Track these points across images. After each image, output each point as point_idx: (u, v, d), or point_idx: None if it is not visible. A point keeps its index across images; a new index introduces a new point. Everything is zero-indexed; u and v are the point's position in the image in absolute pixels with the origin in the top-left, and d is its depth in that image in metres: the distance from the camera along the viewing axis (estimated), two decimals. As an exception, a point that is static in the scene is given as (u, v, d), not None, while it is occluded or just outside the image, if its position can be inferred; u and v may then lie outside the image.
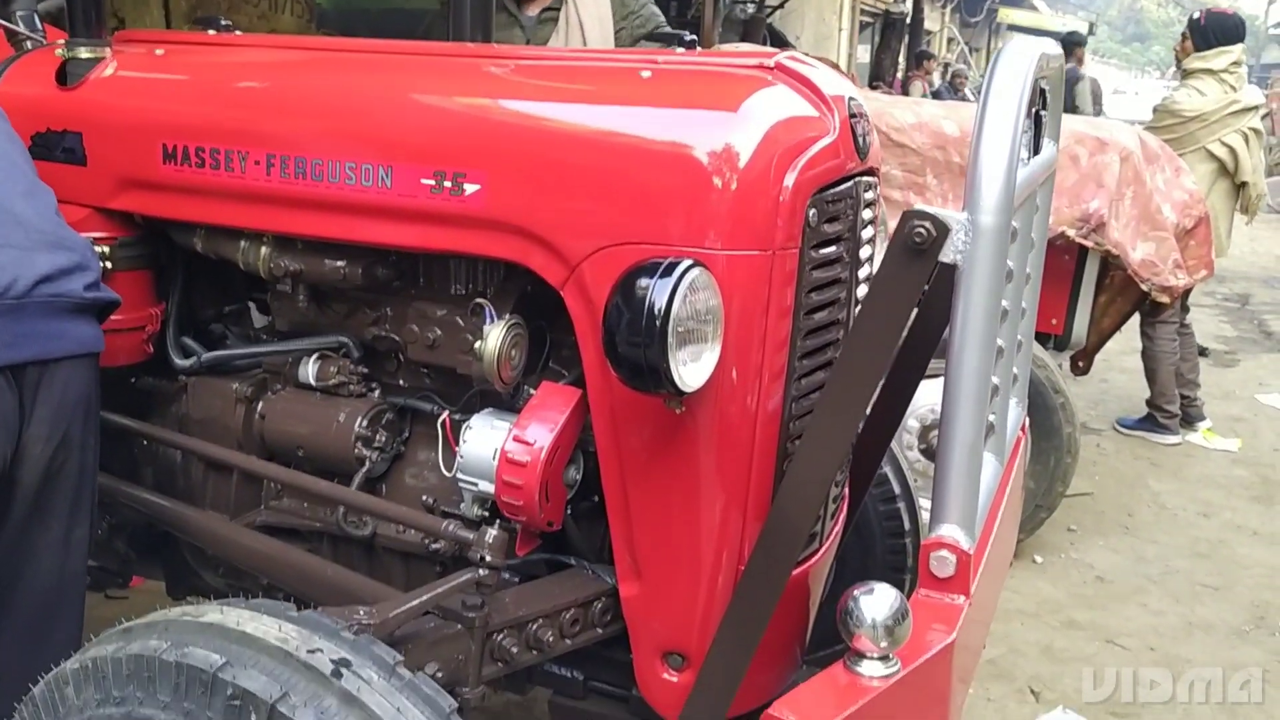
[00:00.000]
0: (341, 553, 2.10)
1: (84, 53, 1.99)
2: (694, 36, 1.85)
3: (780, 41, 12.98)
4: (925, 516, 1.89)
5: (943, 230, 1.44)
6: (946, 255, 1.45)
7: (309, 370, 2.05)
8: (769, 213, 1.62)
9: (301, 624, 1.40)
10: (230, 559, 2.13)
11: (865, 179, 1.88)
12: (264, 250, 1.98)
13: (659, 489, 1.72)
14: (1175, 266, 4.19)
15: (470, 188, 1.73)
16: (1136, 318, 5.08)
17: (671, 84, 1.74)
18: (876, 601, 1.40)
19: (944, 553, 1.51)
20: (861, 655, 1.41)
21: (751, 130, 1.64)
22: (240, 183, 1.89)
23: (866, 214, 1.91)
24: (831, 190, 1.73)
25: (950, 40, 23.93)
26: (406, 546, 2.00)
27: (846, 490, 2.18)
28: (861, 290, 1.95)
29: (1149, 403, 5.66)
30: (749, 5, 12.37)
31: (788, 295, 1.66)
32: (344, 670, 1.33)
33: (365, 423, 1.99)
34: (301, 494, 2.07)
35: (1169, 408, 5.58)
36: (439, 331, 1.94)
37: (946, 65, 17.32)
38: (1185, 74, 5.52)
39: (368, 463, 1.99)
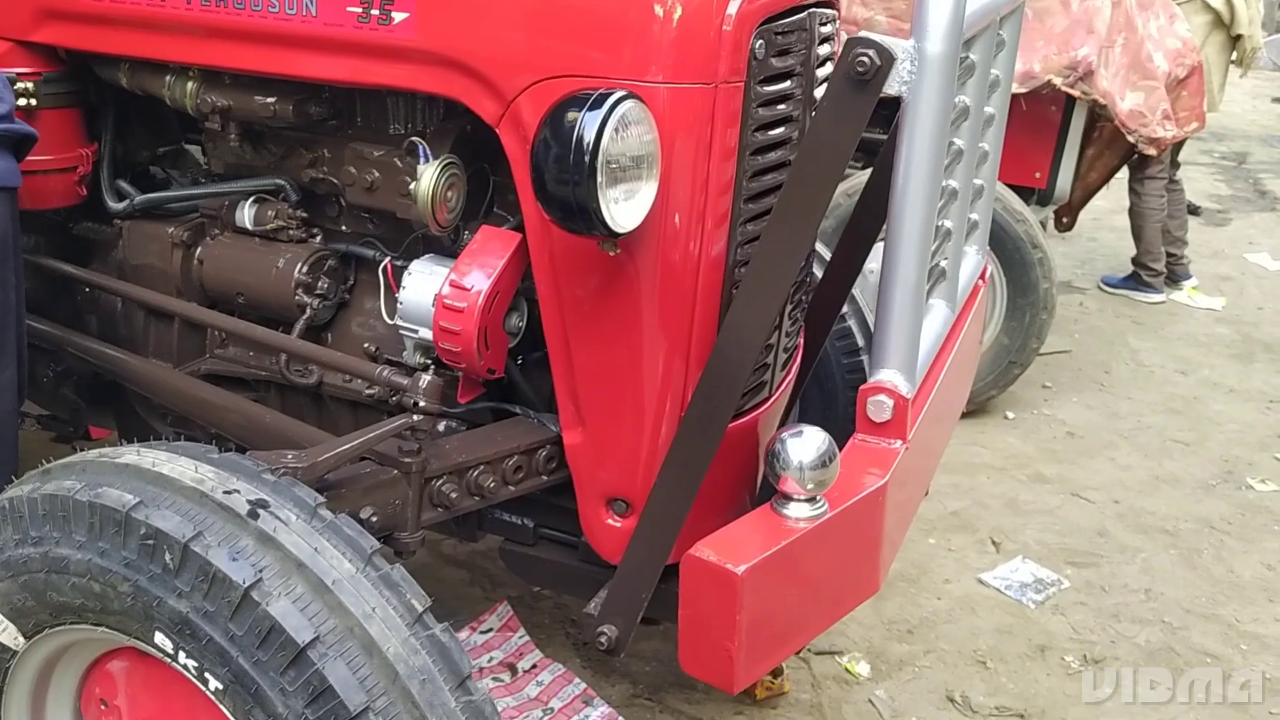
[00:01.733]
0: (289, 402, 2.08)
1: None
2: None
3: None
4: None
5: (887, 59, 1.35)
6: (891, 87, 1.38)
7: (246, 214, 1.99)
8: (711, 43, 1.53)
9: (220, 465, 1.38)
10: (175, 408, 2.10)
11: (821, 11, 1.77)
12: (190, 85, 1.89)
13: (600, 336, 1.68)
14: (1164, 118, 4.07)
15: (399, 15, 1.64)
16: (1125, 173, 4.98)
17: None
18: (803, 444, 1.38)
19: (881, 397, 1.48)
20: (788, 497, 1.39)
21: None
22: (160, 11, 1.79)
23: (823, 50, 1.81)
24: (781, 21, 1.63)
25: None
26: (353, 395, 1.97)
27: (801, 340, 2.14)
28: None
29: (1134, 260, 5.60)
30: None
31: (732, 134, 1.59)
32: (260, 511, 1.31)
33: (305, 269, 1.94)
34: (244, 342, 2.03)
35: (1154, 266, 5.52)
36: (376, 173, 1.87)
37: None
38: None
39: (309, 310, 1.94)
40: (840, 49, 1.39)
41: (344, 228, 2.02)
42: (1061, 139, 4.15)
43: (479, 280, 1.69)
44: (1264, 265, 6.39)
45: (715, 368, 1.58)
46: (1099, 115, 4.13)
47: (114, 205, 2.07)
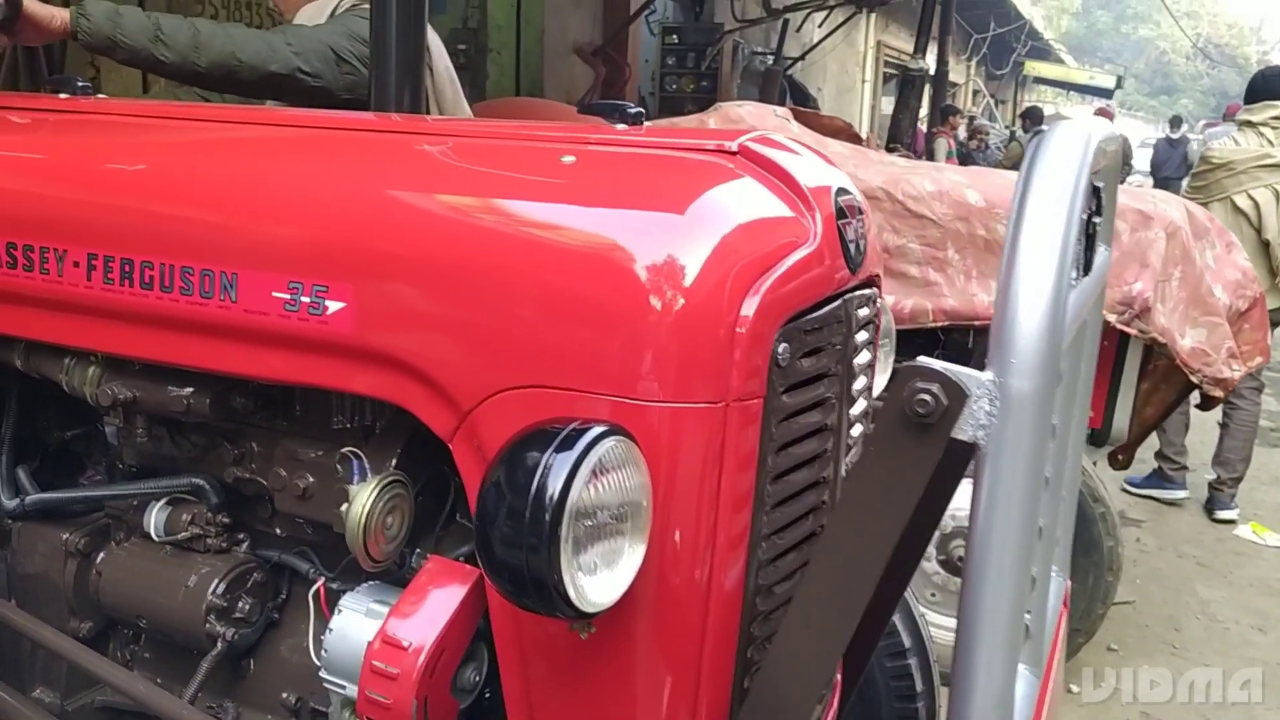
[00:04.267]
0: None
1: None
2: (639, 108, 1.43)
3: (801, 94, 12.68)
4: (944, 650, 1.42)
5: (956, 397, 0.99)
6: (963, 431, 1.01)
7: (155, 519, 1.63)
8: (721, 351, 1.18)
9: None
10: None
11: (860, 293, 1.44)
12: (91, 371, 1.57)
13: None
14: (1229, 356, 3.72)
15: (333, 305, 1.31)
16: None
17: (601, 173, 1.32)
18: None
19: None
20: None
21: (701, 238, 1.21)
22: (57, 288, 1.48)
23: (862, 336, 1.47)
24: (810, 316, 1.30)
25: (976, 93, 23.62)
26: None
27: (839, 676, 1.72)
28: (857, 431, 1.51)
29: (1158, 455, 5.19)
30: (768, 56, 12.05)
31: (747, 473, 1.23)
32: None
33: (222, 588, 1.56)
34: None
35: (1178, 459, 5.12)
36: (311, 478, 1.51)
37: (972, 119, 16.96)
38: (1237, 128, 5.28)
39: (221, 641, 1.55)
40: (891, 377, 1.03)
41: (277, 530, 1.65)
42: (1116, 377, 3.80)
43: (420, 633, 1.30)
44: (1332, 495, 5.91)
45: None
46: (1156, 349, 3.79)
47: (5, 503, 1.72)
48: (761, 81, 11.68)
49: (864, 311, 1.48)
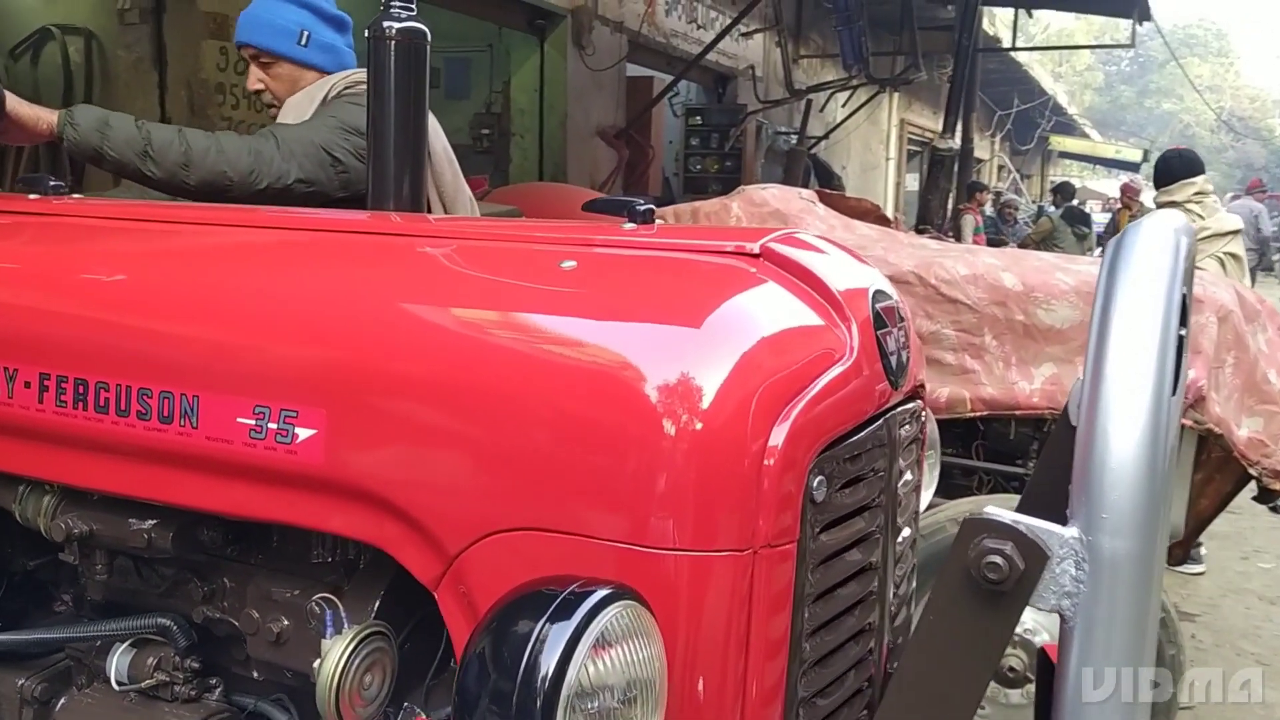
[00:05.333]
0: None
1: None
2: (649, 204, 1.28)
3: (825, 173, 12.64)
4: None
5: (1035, 561, 0.81)
6: (1044, 599, 0.83)
7: (118, 664, 1.45)
8: (747, 488, 1.01)
9: None
10: None
11: (904, 409, 1.27)
12: (46, 502, 1.41)
13: None
14: (1290, 445, 3.49)
15: (303, 433, 1.15)
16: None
17: (605, 280, 1.16)
18: None
19: None
20: None
21: (720, 355, 1.05)
22: (6, 410, 1.33)
23: (906, 456, 1.29)
24: (849, 441, 1.12)
25: (1001, 168, 23.59)
26: None
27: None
28: (903, 567, 1.33)
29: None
30: (792, 136, 12.02)
31: (780, 617, 1.04)
32: None
33: None
34: None
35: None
36: (286, 621, 1.34)
37: (998, 194, 16.87)
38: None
39: (186, 809, 1.37)
40: (958, 534, 0.86)
41: (254, 674, 1.47)
42: (1169, 468, 3.58)
43: (403, 817, 1.12)
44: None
45: None
46: (1210, 439, 3.57)
47: (-46, 643, 1.56)
48: (786, 161, 11.63)
49: (907, 429, 1.30)
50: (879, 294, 1.21)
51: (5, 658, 1.56)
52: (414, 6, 1.88)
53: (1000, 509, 0.83)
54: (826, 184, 12.78)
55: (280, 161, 2.06)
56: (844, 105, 12.30)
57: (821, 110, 12.05)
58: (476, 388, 1.08)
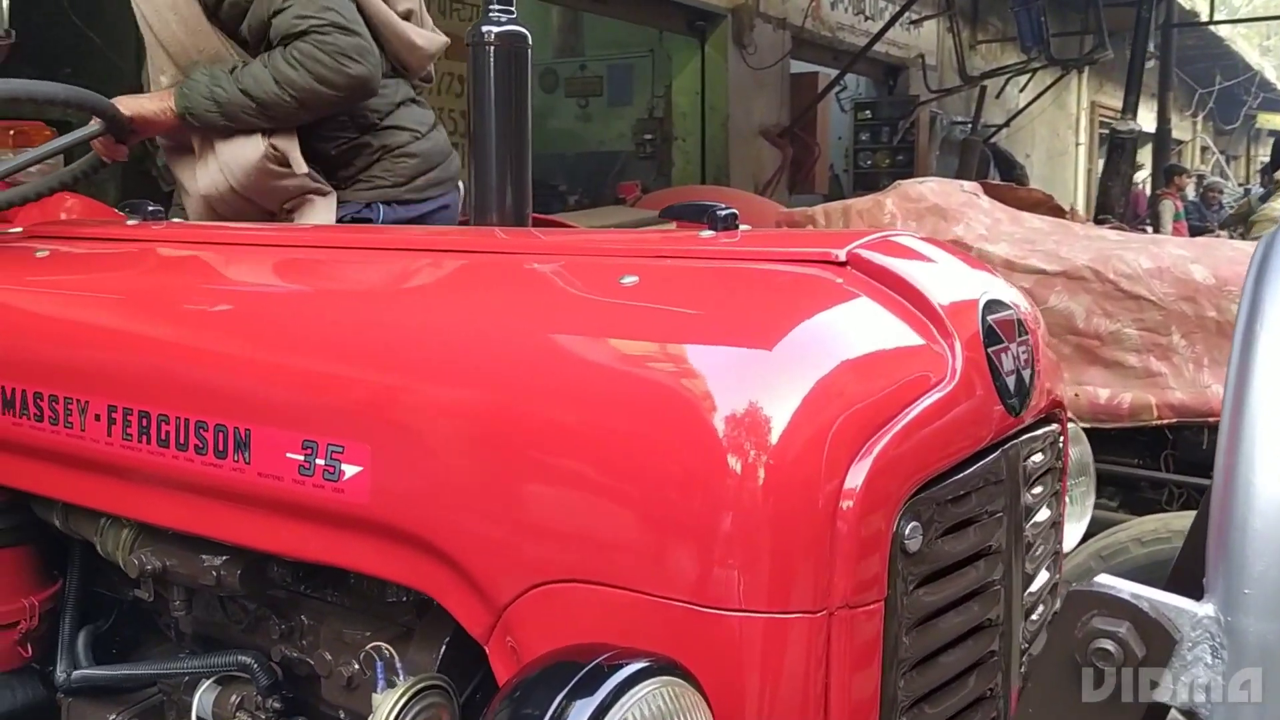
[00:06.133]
0: None
1: (-58, 259, 1.48)
2: (731, 209, 1.14)
3: (1006, 163, 12.06)
4: None
5: (1159, 645, 0.64)
6: (1171, 692, 0.65)
7: (201, 701, 1.42)
8: (818, 537, 0.86)
9: None
10: None
11: (1032, 436, 1.09)
12: (124, 535, 1.38)
13: None
14: None
15: (349, 469, 1.07)
16: None
17: (666, 297, 1.02)
18: None
19: None
20: None
21: (793, 382, 0.90)
22: (79, 443, 1.30)
23: (1037, 490, 1.11)
24: (951, 480, 0.95)
25: (1204, 150, 22.03)
26: None
27: None
28: (1038, 615, 1.14)
29: None
30: (969, 125, 11.51)
31: (864, 688, 0.89)
32: None
33: None
34: None
35: None
36: (356, 665, 1.26)
37: (1201, 177, 15.71)
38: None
39: None
40: (1061, 606, 0.69)
41: (341, 716, 1.41)
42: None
43: None
44: None
45: None
46: None
47: (57, 675, 1.56)
48: (960, 152, 11.15)
49: (1039, 458, 1.11)
50: (992, 304, 1.03)
51: (105, 691, 1.55)
52: (514, 9, 1.79)
53: (1113, 579, 0.65)
54: (1009, 174, 12.19)
55: (327, 7, 1.93)
56: (1022, 90, 11.69)
57: (999, 97, 11.49)
58: (519, 421, 0.97)
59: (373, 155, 2.15)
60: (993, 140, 12.19)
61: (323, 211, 2.04)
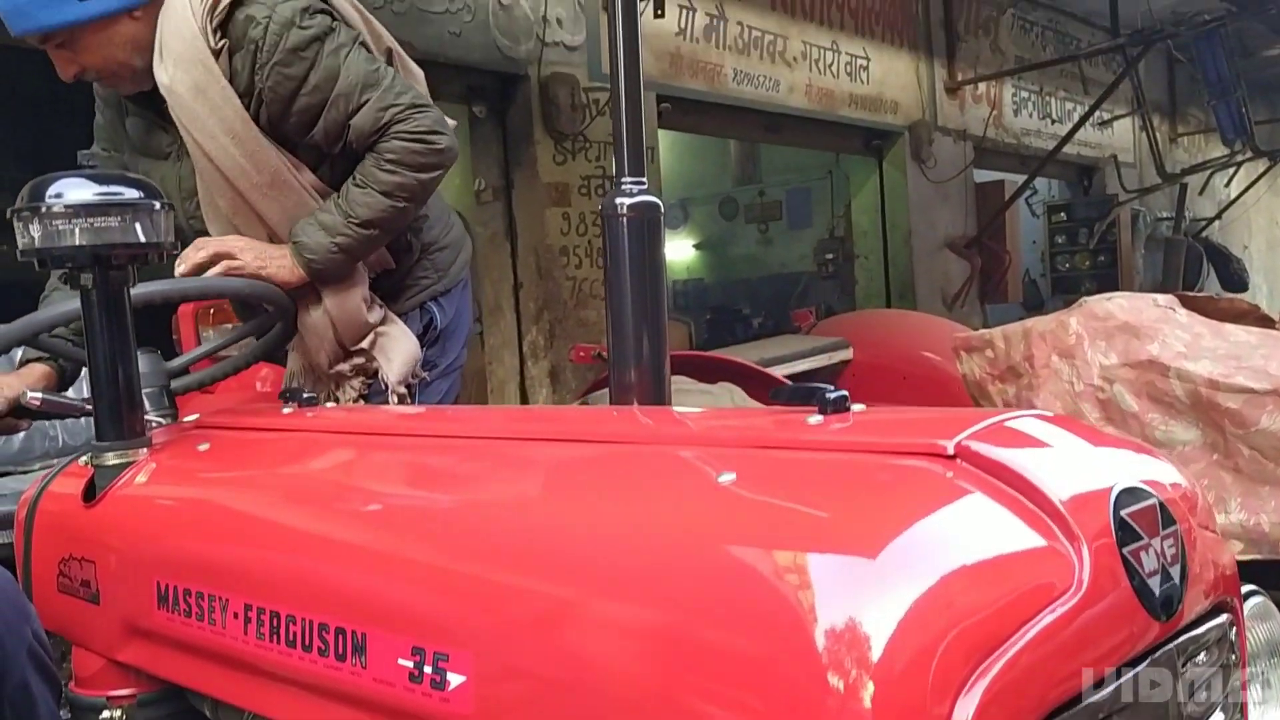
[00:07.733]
0: None
1: (111, 459, 1.58)
2: (842, 390, 1.08)
3: (1221, 257, 11.39)
4: None
5: None
6: None
7: None
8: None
9: None
10: None
11: (1192, 635, 0.96)
12: (268, 733, 1.40)
13: None
14: None
15: (454, 679, 1.05)
16: None
17: (765, 498, 0.97)
18: None
19: None
20: None
21: (895, 596, 0.83)
22: (222, 640, 1.34)
23: (1202, 696, 0.98)
24: (1085, 704, 0.85)
25: None
26: None
27: None
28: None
29: None
30: (1172, 218, 10.94)
31: None
32: None
33: None
34: None
35: None
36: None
37: None
38: None
39: None
40: None
41: None
42: None
43: None
44: None
45: None
46: None
47: None
48: (1164, 250, 10.59)
49: (1208, 656, 0.98)
50: (1127, 494, 0.93)
51: None
52: (645, 180, 1.82)
53: None
54: (1224, 269, 11.46)
55: (402, 91, 1.92)
56: (1228, 184, 11.06)
57: (1201, 193, 10.89)
58: (609, 632, 0.93)
59: (413, 257, 2.14)
60: (1204, 234, 11.53)
61: (403, 341, 2.06)
